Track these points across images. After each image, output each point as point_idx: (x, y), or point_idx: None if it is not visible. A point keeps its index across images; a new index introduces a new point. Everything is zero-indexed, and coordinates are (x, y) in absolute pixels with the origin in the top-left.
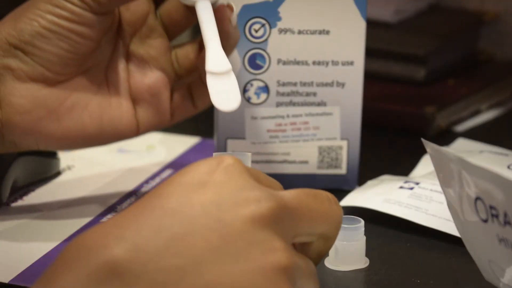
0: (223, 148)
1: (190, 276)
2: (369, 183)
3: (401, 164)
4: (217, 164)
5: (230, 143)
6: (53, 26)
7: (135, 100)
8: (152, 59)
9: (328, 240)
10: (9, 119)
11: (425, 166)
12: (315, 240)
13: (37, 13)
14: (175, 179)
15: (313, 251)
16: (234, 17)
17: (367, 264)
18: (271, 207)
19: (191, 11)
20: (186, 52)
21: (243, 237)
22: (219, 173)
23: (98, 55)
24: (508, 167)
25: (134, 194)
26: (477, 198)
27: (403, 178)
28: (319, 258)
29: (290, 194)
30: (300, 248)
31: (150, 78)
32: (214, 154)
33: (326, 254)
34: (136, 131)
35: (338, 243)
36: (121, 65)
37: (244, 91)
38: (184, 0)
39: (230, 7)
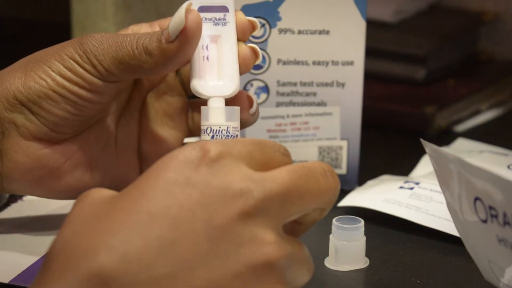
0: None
1: (181, 283)
2: (369, 183)
3: (401, 164)
4: (201, 156)
5: None
6: (62, 90)
7: (142, 158)
8: (166, 117)
9: (324, 210)
10: (10, 174)
11: (425, 166)
12: (311, 212)
13: (47, 72)
14: (158, 176)
15: (307, 220)
16: (253, 108)
17: (367, 264)
18: (258, 200)
19: None
20: None
21: (232, 238)
22: (204, 170)
23: (111, 107)
24: (508, 167)
25: None
26: (476, 199)
27: (403, 178)
28: (312, 224)
29: (281, 177)
30: (294, 221)
31: (161, 138)
32: (202, 107)
33: (320, 220)
34: None
35: (338, 243)
36: (133, 119)
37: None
38: (198, 94)
39: (250, 99)
